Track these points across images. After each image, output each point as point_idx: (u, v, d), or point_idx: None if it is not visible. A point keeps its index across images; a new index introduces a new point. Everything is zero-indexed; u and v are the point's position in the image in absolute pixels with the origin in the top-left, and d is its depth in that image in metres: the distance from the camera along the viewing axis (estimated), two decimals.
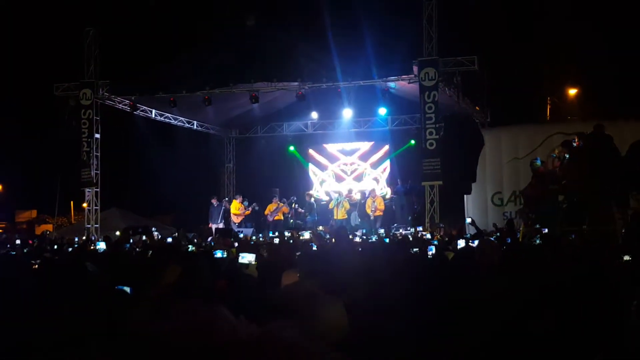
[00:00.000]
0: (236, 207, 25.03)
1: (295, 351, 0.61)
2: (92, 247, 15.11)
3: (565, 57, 31.81)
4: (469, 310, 4.85)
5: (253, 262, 7.53)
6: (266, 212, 25.19)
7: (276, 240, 14.40)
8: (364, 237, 16.29)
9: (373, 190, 25.00)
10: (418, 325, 4.30)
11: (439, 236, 16.77)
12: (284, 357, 0.59)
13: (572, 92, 33.59)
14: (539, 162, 17.42)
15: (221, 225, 24.01)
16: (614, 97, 28.53)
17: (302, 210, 25.57)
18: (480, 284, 5.55)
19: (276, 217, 24.84)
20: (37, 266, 6.74)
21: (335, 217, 23.78)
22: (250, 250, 8.18)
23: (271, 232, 20.80)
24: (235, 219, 24.77)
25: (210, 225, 24.50)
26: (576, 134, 16.12)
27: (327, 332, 3.40)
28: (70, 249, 14.02)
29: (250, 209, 25.18)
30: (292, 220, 25.02)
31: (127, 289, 4.98)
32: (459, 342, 4.24)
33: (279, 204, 25.09)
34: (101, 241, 13.84)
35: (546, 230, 13.80)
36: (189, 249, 11.99)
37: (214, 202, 25.79)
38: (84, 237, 20.76)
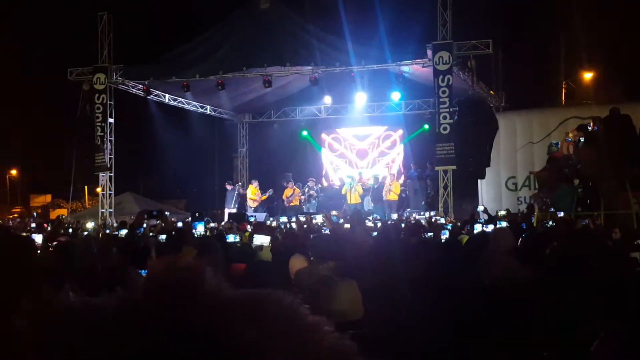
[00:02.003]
0: (253, 192, 25.06)
1: (294, 320, 0.59)
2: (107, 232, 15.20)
3: (581, 41, 31.51)
4: (481, 293, 4.84)
5: (267, 244, 7.51)
6: (284, 196, 25.27)
7: (292, 225, 14.44)
8: (378, 222, 16.27)
9: (392, 175, 25.04)
10: (431, 307, 4.29)
11: (452, 220, 16.76)
12: (280, 322, 0.57)
13: (588, 76, 33.30)
14: (557, 146, 17.34)
15: (234, 210, 24.03)
16: (629, 81, 28.26)
17: (315, 194, 25.56)
18: (494, 268, 5.54)
19: (292, 203, 24.87)
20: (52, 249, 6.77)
21: (348, 202, 23.75)
22: (265, 233, 8.16)
23: (281, 216, 20.76)
24: (252, 204, 24.80)
25: (224, 209, 24.57)
26: (591, 117, 16.03)
27: (342, 313, 3.41)
28: (85, 233, 14.11)
29: (266, 194, 25.20)
30: (305, 205, 25.06)
31: (143, 273, 5.01)
32: (472, 325, 4.23)
33: (294, 190, 25.11)
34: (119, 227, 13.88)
35: (561, 214, 13.74)
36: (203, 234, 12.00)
37: (228, 187, 25.85)
38: (100, 222, 20.88)
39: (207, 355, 0.60)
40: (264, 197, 25.07)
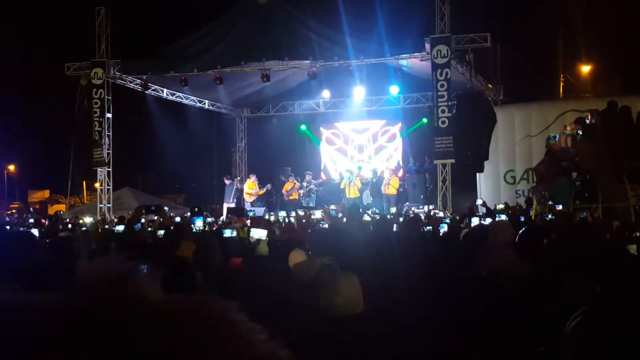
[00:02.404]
0: (250, 187, 25.05)
1: (221, 326, 0.58)
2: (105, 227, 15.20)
3: (579, 34, 31.48)
4: (480, 286, 4.85)
5: (264, 238, 7.52)
6: (283, 190, 25.25)
7: (291, 219, 14.44)
8: (377, 216, 16.28)
9: (391, 169, 25.02)
10: (430, 301, 4.31)
11: (450, 214, 16.78)
12: (204, 328, 0.57)
13: (586, 69, 33.27)
14: (556, 139, 17.34)
15: (232, 205, 24.02)
16: (627, 74, 28.24)
17: (315, 188, 25.53)
18: (492, 262, 5.55)
19: (291, 197, 24.85)
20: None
21: (347, 196, 23.74)
22: (262, 227, 8.17)
23: (280, 210, 20.76)
24: (248, 199, 24.79)
25: (223, 204, 24.56)
26: (589, 110, 16.02)
27: (342, 306, 3.41)
28: (84, 228, 14.10)
29: (264, 189, 25.17)
30: (305, 199, 25.02)
31: (144, 267, 5.01)
32: (470, 316, 4.25)
33: (294, 184, 25.09)
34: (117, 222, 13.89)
35: (560, 207, 13.76)
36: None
37: (227, 181, 25.84)
38: (98, 217, 20.89)
39: (121, 356, 0.60)
40: (261, 192, 25.04)
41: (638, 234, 7.99)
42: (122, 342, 0.60)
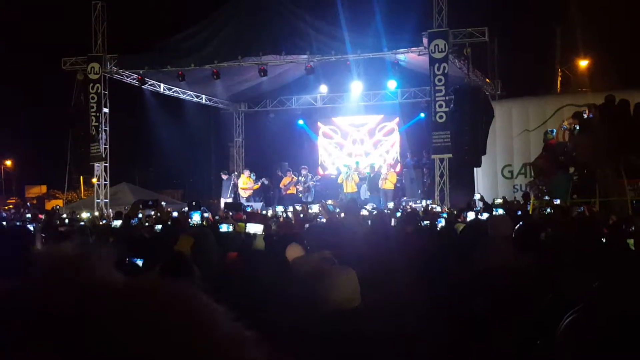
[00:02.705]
0: (244, 181, 25.03)
1: (183, 307, 0.58)
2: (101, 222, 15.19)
3: (576, 29, 31.47)
4: (478, 281, 4.84)
5: (260, 233, 7.51)
6: (281, 185, 25.23)
7: (288, 214, 14.43)
8: (374, 211, 16.27)
9: (388, 164, 25.00)
10: (428, 296, 4.30)
11: (447, 209, 16.78)
12: (165, 309, 0.56)
13: (583, 63, 33.28)
14: (553, 134, 17.34)
15: (230, 200, 24.00)
16: (625, 68, 28.25)
17: (314, 183, 25.49)
18: (492, 256, 5.53)
19: (289, 191, 24.82)
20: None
21: (345, 191, 23.72)
22: (258, 222, 8.16)
23: (277, 205, 20.71)
24: (243, 194, 24.77)
25: (220, 199, 24.53)
26: (587, 105, 16.02)
27: (339, 301, 3.40)
28: (82, 224, 14.08)
29: (259, 183, 25.15)
30: (301, 195, 24.98)
31: (139, 262, 5.01)
32: (468, 311, 4.24)
33: (292, 178, 25.06)
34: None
35: (557, 202, 13.76)
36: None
37: (224, 176, 25.80)
38: (96, 213, 20.85)
39: (79, 340, 0.59)
40: (256, 186, 25.00)
41: (634, 229, 7.98)
42: (78, 326, 0.59)
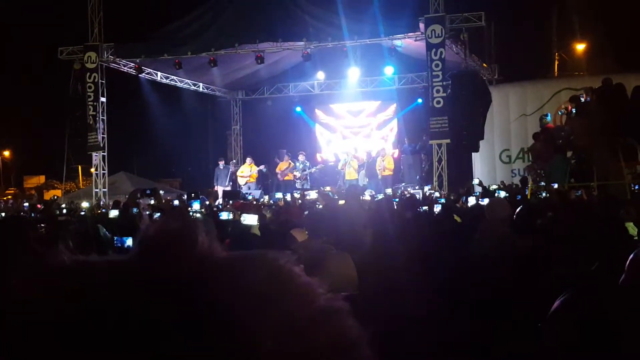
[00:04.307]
0: (242, 170, 25.00)
1: (286, 279, 0.59)
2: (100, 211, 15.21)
3: (573, 12, 31.42)
4: (477, 264, 4.87)
5: (255, 224, 7.53)
6: (277, 170, 25.15)
7: (287, 200, 14.45)
8: (372, 197, 16.28)
9: (383, 150, 24.89)
10: (425, 280, 4.31)
11: (445, 194, 16.81)
12: (271, 281, 0.58)
13: (580, 47, 33.24)
14: (549, 118, 17.34)
15: (228, 188, 23.98)
16: (621, 51, 28.22)
17: (316, 170, 25.43)
18: (490, 239, 5.56)
19: (286, 177, 24.75)
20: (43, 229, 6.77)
21: (346, 178, 23.69)
22: (252, 212, 8.18)
23: (276, 192, 20.71)
24: (241, 181, 24.75)
25: (215, 187, 24.46)
26: (584, 88, 16.02)
27: (336, 286, 3.42)
28: (82, 213, 14.11)
29: (256, 172, 25.06)
30: (298, 181, 24.92)
31: (129, 240, 5.02)
32: (466, 297, 4.26)
33: (289, 164, 24.98)
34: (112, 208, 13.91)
35: (555, 186, 13.80)
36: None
37: (221, 164, 25.73)
38: (94, 202, 20.88)
39: (192, 313, 0.60)
40: (254, 175, 24.89)
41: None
42: (185, 299, 0.61)
